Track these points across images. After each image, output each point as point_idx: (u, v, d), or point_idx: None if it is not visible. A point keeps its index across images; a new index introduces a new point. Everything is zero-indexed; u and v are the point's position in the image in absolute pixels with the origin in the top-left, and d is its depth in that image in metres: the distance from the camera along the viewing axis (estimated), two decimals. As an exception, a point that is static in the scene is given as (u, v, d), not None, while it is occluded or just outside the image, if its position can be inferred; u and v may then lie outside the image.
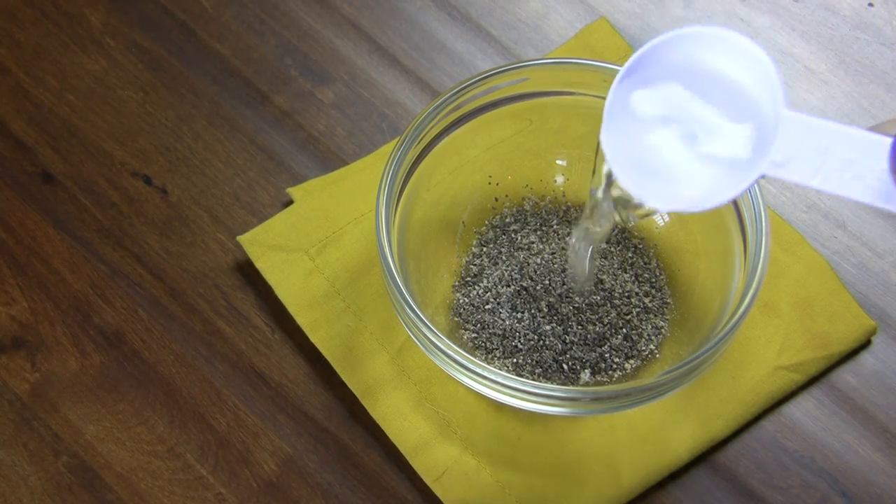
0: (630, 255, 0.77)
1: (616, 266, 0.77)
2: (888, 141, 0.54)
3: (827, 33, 0.88)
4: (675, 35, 0.57)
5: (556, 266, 0.76)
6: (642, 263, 0.77)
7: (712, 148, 0.57)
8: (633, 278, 0.76)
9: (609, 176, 0.63)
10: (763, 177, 0.56)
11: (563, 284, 0.75)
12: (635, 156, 0.58)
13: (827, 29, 0.88)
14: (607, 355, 0.74)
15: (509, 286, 0.76)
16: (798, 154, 0.55)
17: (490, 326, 0.75)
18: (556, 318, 0.75)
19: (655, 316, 0.76)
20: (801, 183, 0.55)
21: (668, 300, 0.76)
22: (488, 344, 0.75)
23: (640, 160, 0.58)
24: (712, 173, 0.57)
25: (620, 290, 0.76)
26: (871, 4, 0.89)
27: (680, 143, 0.58)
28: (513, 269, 0.76)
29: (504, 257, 0.77)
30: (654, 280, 0.77)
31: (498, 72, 0.74)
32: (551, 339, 0.74)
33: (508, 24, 0.88)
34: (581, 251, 0.71)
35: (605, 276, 0.76)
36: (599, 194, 0.65)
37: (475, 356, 0.73)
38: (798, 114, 0.55)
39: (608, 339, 0.74)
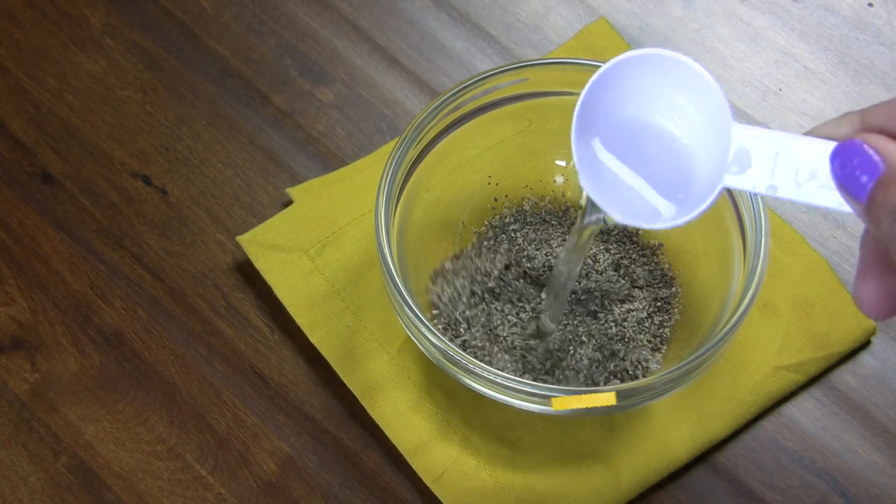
0: (630, 255, 0.77)
1: (616, 266, 0.77)
2: (831, 146, 0.53)
3: (827, 33, 0.88)
4: (618, 61, 0.58)
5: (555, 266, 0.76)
6: (642, 263, 0.77)
7: (667, 174, 0.58)
8: (633, 278, 0.76)
9: (589, 198, 0.64)
10: (724, 190, 0.57)
11: (562, 284, 0.75)
12: (609, 183, 0.59)
13: (827, 29, 0.88)
14: (607, 355, 0.74)
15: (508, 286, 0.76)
16: (753, 165, 0.56)
17: (489, 326, 0.75)
18: (555, 317, 0.75)
19: (655, 316, 0.75)
20: (760, 193, 0.55)
21: (668, 300, 0.76)
22: (488, 343, 0.75)
23: (614, 186, 0.59)
24: (678, 195, 0.58)
25: (619, 290, 0.76)
26: (870, 4, 0.89)
27: (642, 170, 0.59)
28: (511, 269, 0.76)
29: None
30: (653, 280, 0.77)
31: (497, 72, 0.74)
32: (550, 339, 0.74)
33: (508, 24, 0.88)
34: (572, 257, 0.71)
35: (604, 276, 0.76)
36: (583, 206, 0.65)
37: (474, 356, 0.73)
38: (747, 126, 0.56)
39: (607, 340, 0.74)
